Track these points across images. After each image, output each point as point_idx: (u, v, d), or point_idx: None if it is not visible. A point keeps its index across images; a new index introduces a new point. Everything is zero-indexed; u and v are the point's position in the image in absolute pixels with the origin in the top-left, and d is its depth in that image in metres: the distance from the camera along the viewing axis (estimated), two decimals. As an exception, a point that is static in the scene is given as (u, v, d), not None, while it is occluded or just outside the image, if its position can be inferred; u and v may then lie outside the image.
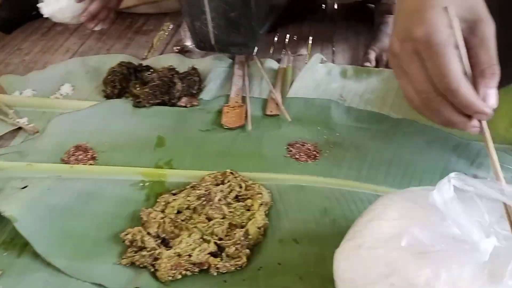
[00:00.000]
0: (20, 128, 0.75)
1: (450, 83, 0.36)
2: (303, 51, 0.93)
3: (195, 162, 0.67)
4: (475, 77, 0.36)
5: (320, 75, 0.84)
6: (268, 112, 0.76)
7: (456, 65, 0.36)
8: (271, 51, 0.93)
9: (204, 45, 0.72)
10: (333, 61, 0.90)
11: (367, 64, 0.87)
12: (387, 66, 0.88)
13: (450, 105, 0.38)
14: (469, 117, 0.38)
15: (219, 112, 0.76)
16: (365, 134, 0.72)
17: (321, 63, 0.87)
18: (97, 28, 0.90)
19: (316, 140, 0.70)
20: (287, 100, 0.79)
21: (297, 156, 0.67)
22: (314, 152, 0.68)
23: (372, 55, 0.90)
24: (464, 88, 0.36)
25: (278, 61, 0.89)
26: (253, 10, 0.67)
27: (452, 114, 0.38)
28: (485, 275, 0.35)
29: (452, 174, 0.37)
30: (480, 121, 0.39)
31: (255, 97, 0.80)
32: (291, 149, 0.68)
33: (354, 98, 0.79)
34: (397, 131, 0.72)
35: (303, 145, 0.69)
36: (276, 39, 0.96)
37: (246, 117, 0.75)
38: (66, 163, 0.67)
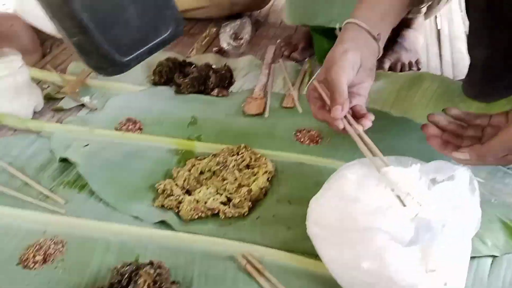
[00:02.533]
0: (83, 105, 0.94)
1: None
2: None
3: (218, 138, 0.83)
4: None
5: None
6: (284, 104, 0.91)
7: (313, 105, 0.67)
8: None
9: (81, 59, 0.67)
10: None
11: (380, 71, 1.00)
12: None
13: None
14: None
15: (243, 102, 0.92)
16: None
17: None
18: None
19: (321, 130, 0.84)
20: (302, 97, 0.93)
21: (302, 140, 0.82)
22: (317, 138, 0.82)
23: (387, 64, 1.03)
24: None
25: (301, 64, 1.04)
26: (99, 37, 0.62)
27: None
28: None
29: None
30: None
31: (276, 92, 0.96)
32: (298, 134, 0.83)
33: (359, 98, 0.92)
34: (393, 127, 0.85)
35: (309, 131, 0.83)
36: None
37: (265, 108, 0.90)
38: (118, 131, 0.85)
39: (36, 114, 0.92)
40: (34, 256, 0.61)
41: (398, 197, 0.51)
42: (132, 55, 0.67)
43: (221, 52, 1.10)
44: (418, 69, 1.02)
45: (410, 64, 1.02)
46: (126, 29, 0.65)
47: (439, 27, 1.22)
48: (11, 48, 1.08)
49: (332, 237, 0.52)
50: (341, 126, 0.61)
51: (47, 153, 0.82)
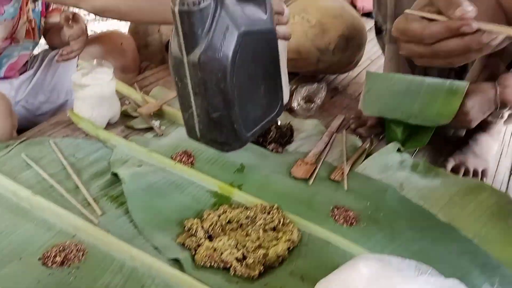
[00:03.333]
0: (152, 128, 1.02)
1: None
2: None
3: (258, 192, 0.85)
4: None
5: (392, 161, 0.96)
6: (332, 177, 0.91)
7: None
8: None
9: (192, 135, 0.71)
10: (412, 154, 1.01)
11: (441, 169, 0.96)
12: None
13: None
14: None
15: (294, 163, 0.94)
16: (406, 223, 0.82)
17: (398, 151, 0.99)
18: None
19: (360, 212, 0.82)
20: (353, 174, 0.93)
21: (336, 218, 0.80)
22: (353, 220, 0.80)
23: (450, 164, 0.99)
24: None
25: (363, 139, 1.04)
26: (237, 114, 0.66)
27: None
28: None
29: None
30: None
31: (328, 162, 0.96)
32: (335, 210, 0.82)
33: (411, 191, 0.89)
34: (435, 232, 0.81)
35: (346, 211, 0.82)
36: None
37: (312, 174, 0.91)
38: (173, 160, 0.91)
39: (109, 125, 1.02)
40: (55, 256, 0.66)
41: None
42: (252, 131, 0.72)
43: (290, 110, 1.13)
44: (482, 179, 0.97)
45: (475, 171, 0.97)
46: (254, 106, 0.71)
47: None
48: (116, 63, 1.23)
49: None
50: (474, 26, 0.50)
51: (105, 163, 0.90)
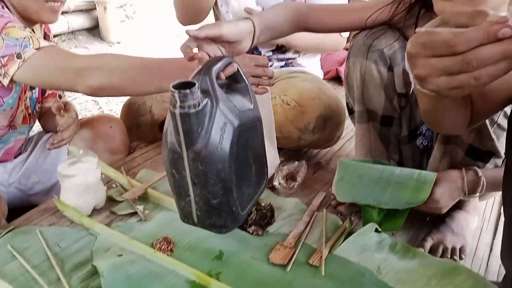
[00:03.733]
0: (136, 212, 1.05)
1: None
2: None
3: (235, 281, 0.86)
4: None
5: (370, 241, 0.97)
6: (310, 262, 0.92)
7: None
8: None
9: (187, 221, 0.73)
10: (392, 234, 1.02)
11: (421, 249, 0.97)
12: (441, 256, 0.97)
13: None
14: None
15: (274, 246, 0.95)
16: (382, 310, 0.82)
17: (375, 231, 1.00)
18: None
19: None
20: (331, 257, 0.94)
21: (312, 307, 0.81)
22: (328, 309, 0.81)
23: (428, 244, 0.99)
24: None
25: (344, 219, 1.06)
26: (235, 198, 0.69)
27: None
28: None
29: None
30: None
31: (308, 243, 0.97)
32: (311, 298, 0.83)
33: (388, 273, 0.90)
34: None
35: (322, 300, 0.82)
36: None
37: (290, 259, 0.92)
38: (153, 247, 0.93)
39: (95, 211, 1.05)
40: None
41: None
42: (246, 209, 0.75)
43: (272, 188, 1.16)
44: (461, 257, 0.97)
45: (453, 249, 0.98)
46: (248, 186, 0.75)
47: (502, 212, 1.16)
48: (105, 145, 1.28)
49: None
50: None
51: (88, 252, 0.92)
